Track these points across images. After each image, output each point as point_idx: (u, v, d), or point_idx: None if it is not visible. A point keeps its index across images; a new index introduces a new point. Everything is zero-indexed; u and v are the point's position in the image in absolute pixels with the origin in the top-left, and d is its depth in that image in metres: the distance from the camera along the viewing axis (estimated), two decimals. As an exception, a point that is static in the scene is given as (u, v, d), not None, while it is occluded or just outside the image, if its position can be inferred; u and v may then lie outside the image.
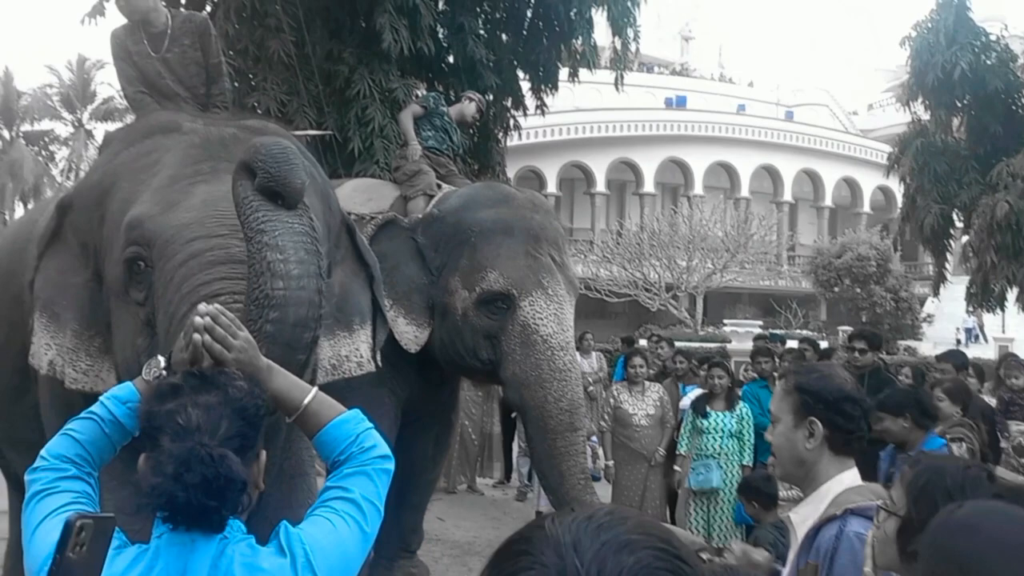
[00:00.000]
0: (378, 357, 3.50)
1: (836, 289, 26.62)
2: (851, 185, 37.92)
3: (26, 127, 35.87)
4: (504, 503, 7.88)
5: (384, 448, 1.61)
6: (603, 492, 6.62)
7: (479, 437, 8.19)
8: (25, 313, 2.81)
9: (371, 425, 1.65)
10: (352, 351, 3.32)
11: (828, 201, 37.56)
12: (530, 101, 9.82)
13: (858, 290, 25.88)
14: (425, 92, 5.78)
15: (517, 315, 4.12)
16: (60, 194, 3.47)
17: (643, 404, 6.08)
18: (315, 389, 1.67)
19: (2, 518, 4.30)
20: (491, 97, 9.08)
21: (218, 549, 1.39)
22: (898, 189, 14.56)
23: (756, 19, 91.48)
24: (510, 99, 9.43)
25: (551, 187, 33.09)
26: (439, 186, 4.80)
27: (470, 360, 4.29)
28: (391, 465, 1.61)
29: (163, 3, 3.65)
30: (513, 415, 8.09)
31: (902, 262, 28.02)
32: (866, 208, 37.63)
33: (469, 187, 4.73)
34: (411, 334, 4.26)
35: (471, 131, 8.25)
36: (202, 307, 1.62)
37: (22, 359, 2.77)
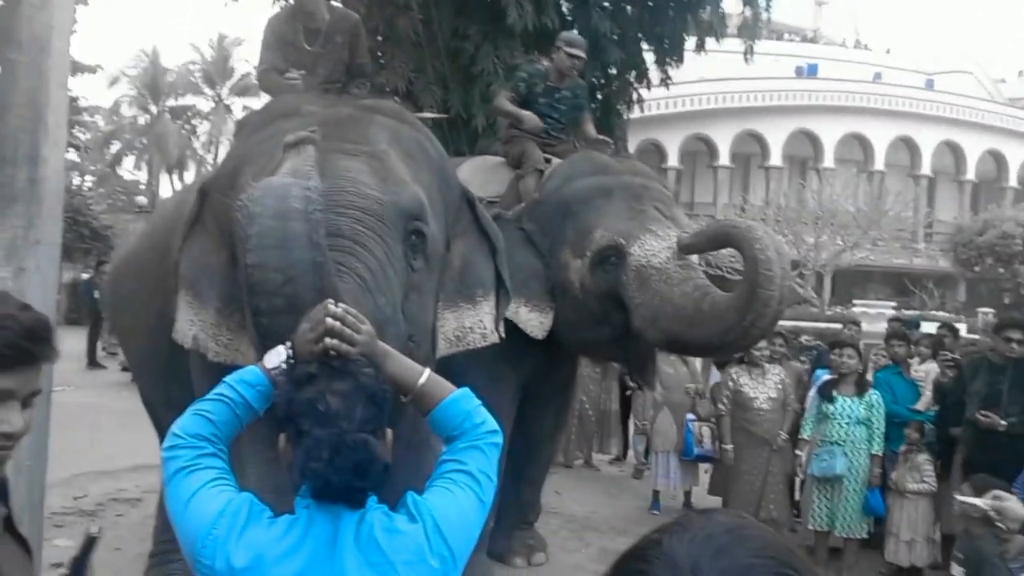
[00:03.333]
0: (501, 328, 3.56)
1: (977, 268, 25.09)
2: (996, 158, 35.44)
3: (171, 102, 37.94)
4: (620, 480, 7.90)
5: (493, 424, 1.72)
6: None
7: (596, 414, 8.21)
8: (175, 289, 3.02)
9: (480, 402, 1.76)
10: (476, 323, 3.39)
11: (971, 175, 35.27)
12: (654, 74, 9.65)
13: (1001, 270, 24.29)
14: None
15: (629, 262, 4.05)
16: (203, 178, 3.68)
17: (764, 387, 5.94)
18: (428, 371, 1.78)
19: (155, 472, 4.66)
20: (614, 71, 8.98)
21: (360, 515, 1.54)
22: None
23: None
24: (634, 72, 9.30)
25: (672, 160, 32.45)
26: (548, 160, 4.79)
27: (602, 331, 4.25)
28: (500, 439, 1.73)
29: None
30: (629, 392, 8.09)
31: (1052, 240, 26.06)
32: (1012, 182, 35.10)
33: (565, 162, 4.67)
34: (535, 321, 4.28)
35: (594, 106, 8.18)
36: (331, 307, 1.75)
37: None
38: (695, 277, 3.99)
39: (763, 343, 5.95)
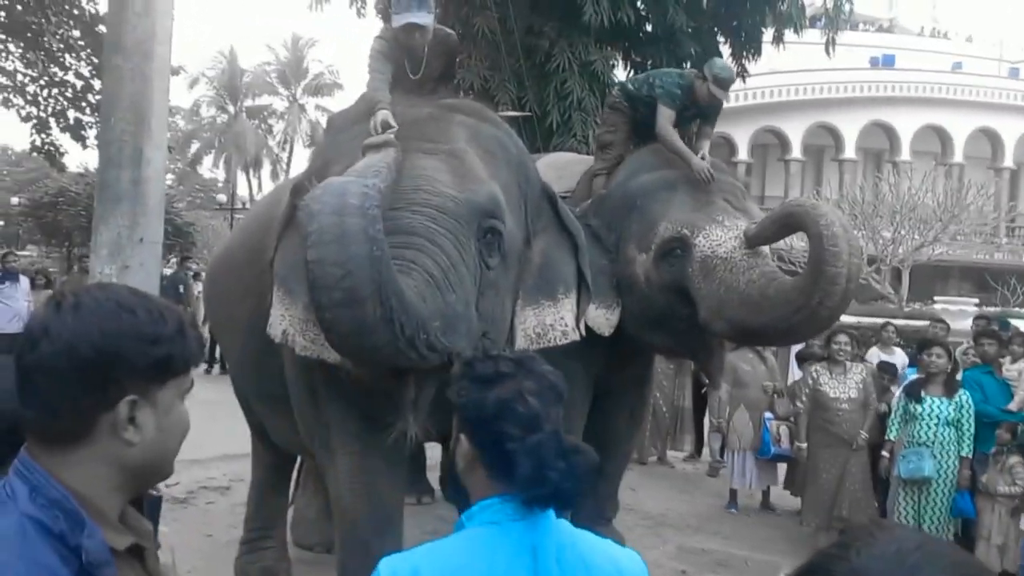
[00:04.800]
0: (583, 326, 3.57)
1: (1064, 264, 24.01)
2: (1084, 149, 33.89)
3: (248, 102, 38.94)
4: (696, 477, 7.84)
5: None
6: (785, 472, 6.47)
7: (670, 410, 8.17)
8: (270, 285, 3.12)
9: None
10: (557, 320, 3.42)
11: (1057, 167, 33.84)
12: (730, 67, 9.52)
13: (1092, 266, 23.23)
14: (635, 74, 5.13)
15: (694, 253, 3.95)
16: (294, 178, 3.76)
17: (845, 387, 5.83)
18: None
19: (247, 461, 4.82)
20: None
21: (552, 523, 1.44)
22: None
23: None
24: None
25: (742, 154, 31.88)
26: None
27: (669, 325, 4.18)
28: None
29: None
30: (704, 390, 8.01)
31: None
32: (1101, 174, 33.57)
33: (632, 157, 4.57)
34: (602, 317, 4.22)
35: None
36: None
37: None
38: (761, 265, 3.88)
39: (845, 339, 5.85)
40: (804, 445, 5.91)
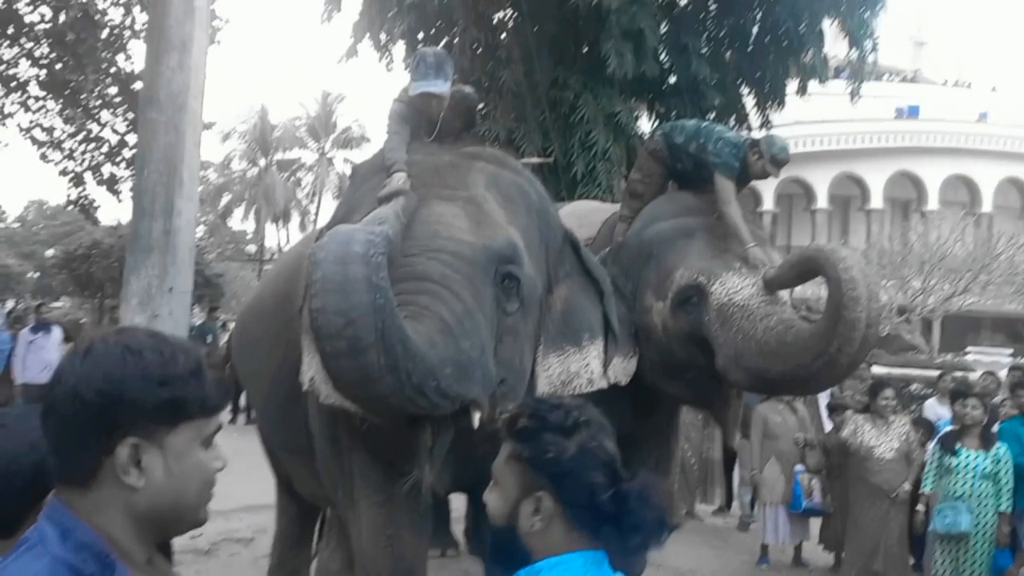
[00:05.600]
0: (611, 374, 3.52)
1: (1100, 315, 23.56)
2: (1115, 198, 33.53)
3: (278, 155, 39.66)
4: (725, 532, 7.66)
5: None
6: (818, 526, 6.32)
7: (699, 462, 8.02)
8: (297, 334, 3.12)
9: None
10: (582, 367, 3.37)
11: (1088, 217, 33.42)
12: (754, 118, 9.58)
13: None
14: (663, 125, 5.04)
15: (711, 301, 3.83)
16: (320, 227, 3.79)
17: (887, 438, 5.71)
18: None
19: (270, 512, 4.79)
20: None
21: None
22: None
23: (999, 18, 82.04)
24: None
25: (767, 204, 31.85)
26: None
27: (687, 375, 4.06)
28: None
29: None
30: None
31: None
32: None
33: (651, 204, 4.47)
34: (619, 366, 4.14)
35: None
36: None
37: (296, 374, 3.08)
38: (779, 312, 3.75)
39: (891, 393, 5.75)
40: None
